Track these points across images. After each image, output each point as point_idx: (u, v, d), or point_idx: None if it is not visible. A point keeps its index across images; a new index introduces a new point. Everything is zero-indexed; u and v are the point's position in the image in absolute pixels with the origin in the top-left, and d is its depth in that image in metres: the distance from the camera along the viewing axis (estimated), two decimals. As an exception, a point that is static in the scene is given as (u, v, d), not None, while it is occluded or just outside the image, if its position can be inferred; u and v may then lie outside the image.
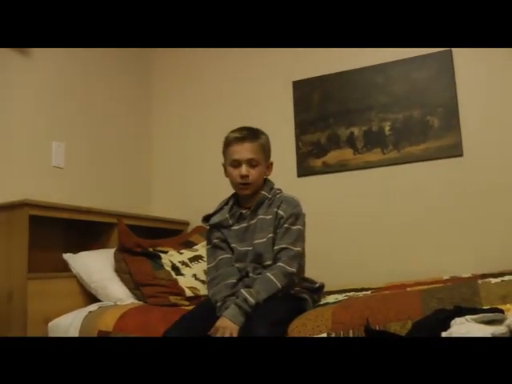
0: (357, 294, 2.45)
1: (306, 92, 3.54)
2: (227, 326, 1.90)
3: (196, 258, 2.95)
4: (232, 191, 2.32)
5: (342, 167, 3.40)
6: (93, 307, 2.53)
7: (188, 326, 1.97)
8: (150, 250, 2.86)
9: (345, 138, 3.41)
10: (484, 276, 2.37)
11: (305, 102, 3.54)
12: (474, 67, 3.17)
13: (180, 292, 2.69)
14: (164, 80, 4.01)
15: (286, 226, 2.15)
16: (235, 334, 1.88)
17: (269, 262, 2.12)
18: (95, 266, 2.77)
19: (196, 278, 2.82)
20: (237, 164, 2.20)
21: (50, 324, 2.49)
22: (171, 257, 2.89)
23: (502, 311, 1.63)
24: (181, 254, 2.97)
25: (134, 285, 2.70)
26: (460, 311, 1.64)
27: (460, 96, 3.16)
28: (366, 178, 3.33)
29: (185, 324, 1.99)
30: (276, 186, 2.31)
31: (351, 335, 1.86)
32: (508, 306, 1.73)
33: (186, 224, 3.71)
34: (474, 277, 2.49)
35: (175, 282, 2.73)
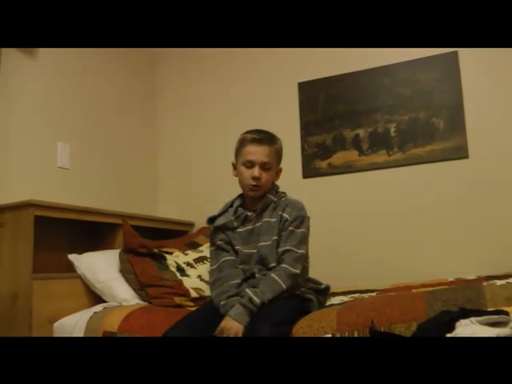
0: (362, 295, 2.46)
1: (311, 93, 3.54)
2: (232, 326, 1.90)
3: (201, 259, 2.96)
4: (237, 193, 2.32)
5: (347, 169, 3.40)
6: (98, 308, 2.54)
7: (190, 326, 1.97)
8: (155, 250, 2.86)
9: (350, 139, 3.41)
10: (489, 278, 2.36)
11: (310, 103, 3.54)
12: (480, 69, 3.17)
13: (185, 293, 2.69)
14: (169, 82, 4.02)
15: (290, 228, 2.16)
16: (240, 334, 1.88)
17: (273, 264, 2.13)
18: (100, 266, 2.77)
19: (201, 279, 2.82)
20: (250, 165, 2.19)
21: (54, 324, 2.49)
22: (176, 258, 2.90)
23: (507, 313, 1.62)
24: (186, 254, 2.98)
25: (139, 285, 2.70)
26: (465, 313, 1.63)
27: (466, 98, 3.16)
28: (371, 180, 3.33)
29: (186, 324, 1.98)
30: (280, 189, 2.32)
31: (356, 336, 1.86)
32: (513, 307, 1.72)
33: (191, 225, 3.71)
34: (479, 279, 2.48)
35: (180, 282, 2.73)
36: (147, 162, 3.87)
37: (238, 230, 2.24)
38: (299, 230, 2.16)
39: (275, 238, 2.16)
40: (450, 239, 3.10)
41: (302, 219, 2.19)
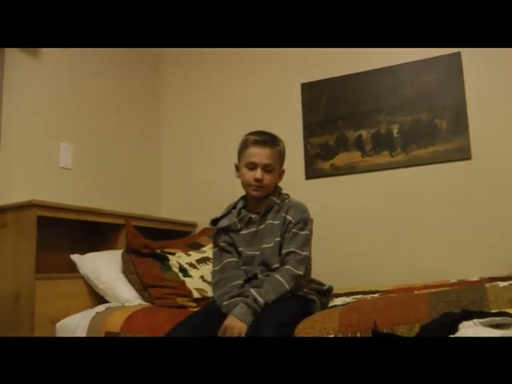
0: (364, 296, 2.45)
1: (314, 94, 3.54)
2: (236, 325, 1.90)
3: (203, 260, 2.96)
4: (240, 193, 2.32)
5: (350, 170, 3.40)
6: (100, 308, 2.54)
7: (192, 326, 1.97)
8: (158, 251, 2.87)
9: (353, 140, 3.40)
10: (492, 279, 2.36)
11: (313, 104, 3.54)
12: (483, 70, 3.16)
13: (187, 293, 2.69)
14: (173, 83, 4.02)
15: (294, 230, 2.16)
16: (243, 333, 1.89)
17: (276, 265, 2.13)
18: (103, 267, 2.77)
19: (203, 280, 2.82)
20: (253, 167, 2.19)
21: (57, 325, 2.50)
22: (179, 258, 2.90)
23: (509, 315, 1.62)
24: (188, 255, 2.98)
25: (142, 286, 2.70)
26: (468, 315, 1.63)
27: (468, 99, 3.16)
28: (374, 181, 3.33)
29: (189, 325, 1.99)
30: (283, 191, 2.31)
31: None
32: (516, 309, 1.72)
33: (194, 225, 3.71)
34: (481, 280, 2.48)
35: (182, 283, 2.74)
36: (150, 163, 3.87)
37: (242, 232, 2.24)
38: (303, 233, 2.16)
39: (278, 239, 2.16)
40: (452, 240, 3.10)
41: (305, 221, 2.19)
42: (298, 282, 2.07)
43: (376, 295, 2.44)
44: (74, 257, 2.81)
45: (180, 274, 2.79)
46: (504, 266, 2.76)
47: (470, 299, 1.87)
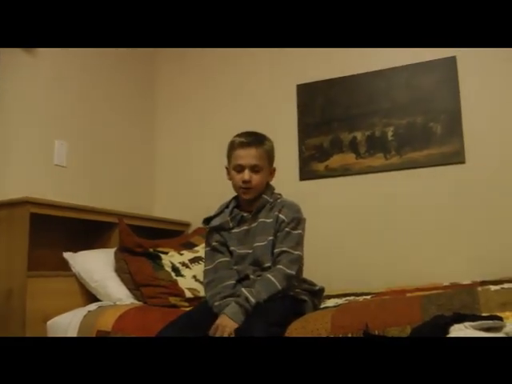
0: (357, 298, 2.46)
1: (310, 96, 3.55)
2: (227, 324, 1.90)
3: (196, 260, 2.96)
4: (233, 194, 2.32)
5: (344, 171, 3.40)
6: (92, 307, 2.53)
7: (184, 326, 1.97)
8: (151, 250, 2.86)
9: (348, 142, 3.41)
10: (484, 283, 2.37)
11: (309, 105, 3.54)
12: (478, 74, 3.17)
13: (180, 293, 2.69)
14: (168, 82, 4.02)
15: (287, 229, 2.15)
16: (234, 333, 1.88)
17: (268, 264, 2.13)
18: (95, 265, 2.77)
19: (196, 280, 2.82)
20: (240, 169, 2.19)
21: (48, 323, 2.49)
22: (171, 258, 2.90)
23: (501, 319, 1.63)
24: (181, 255, 2.98)
25: (134, 285, 2.70)
26: (459, 318, 1.63)
27: (463, 103, 3.16)
28: (368, 183, 3.33)
29: (180, 325, 1.98)
30: (277, 191, 2.31)
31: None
32: (507, 313, 1.72)
33: (187, 225, 3.71)
34: (473, 284, 2.49)
35: (175, 282, 2.73)
36: (144, 161, 3.87)
37: (234, 230, 2.23)
38: (295, 232, 2.16)
39: (271, 238, 2.15)
40: (445, 243, 3.11)
41: (298, 221, 2.19)
42: (290, 281, 2.07)
43: (368, 297, 2.45)
44: (67, 255, 2.80)
45: (172, 274, 2.79)
46: (496, 269, 2.76)
47: (462, 302, 1.88)
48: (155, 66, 4.05)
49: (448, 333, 1.57)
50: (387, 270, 3.12)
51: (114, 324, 2.30)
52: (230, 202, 2.30)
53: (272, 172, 2.30)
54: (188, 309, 2.39)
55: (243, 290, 2.01)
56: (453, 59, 3.20)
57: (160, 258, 2.84)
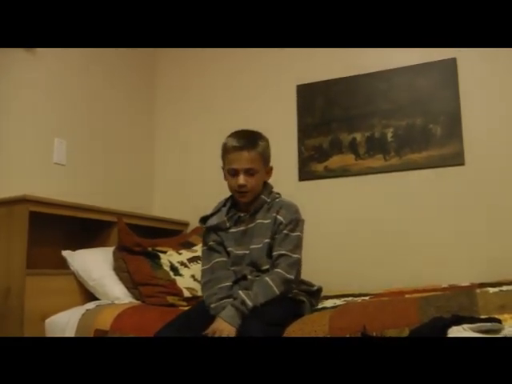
0: (355, 299, 2.45)
1: (309, 96, 3.55)
2: (224, 328, 1.88)
3: (195, 259, 2.95)
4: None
5: (343, 172, 3.40)
6: (90, 305, 2.53)
7: (181, 326, 1.96)
8: (149, 249, 2.86)
9: (347, 143, 3.41)
10: (482, 285, 2.37)
11: (308, 106, 3.54)
12: (478, 76, 3.17)
13: (178, 292, 2.69)
14: (167, 81, 4.01)
15: (285, 232, 2.13)
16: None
17: (265, 267, 2.11)
18: (94, 264, 2.77)
19: (194, 279, 2.82)
20: (234, 173, 2.15)
21: (46, 321, 2.48)
22: (170, 257, 2.90)
23: (499, 321, 1.63)
24: (180, 254, 2.98)
25: (132, 284, 2.70)
26: (457, 320, 1.63)
27: (463, 105, 3.16)
28: (367, 184, 3.33)
29: (178, 325, 1.98)
30: (275, 190, 2.29)
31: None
32: (505, 315, 1.72)
33: (186, 224, 3.71)
34: (472, 286, 2.49)
35: (173, 282, 2.73)
36: (144, 160, 3.87)
37: (231, 230, 2.21)
38: (294, 234, 2.14)
39: (267, 240, 2.13)
40: (444, 245, 3.11)
41: (296, 222, 2.17)
42: (288, 286, 2.06)
43: (366, 298, 2.45)
44: (66, 253, 2.80)
45: (171, 273, 2.79)
46: (495, 271, 2.76)
47: (461, 304, 1.88)
48: (155, 65, 4.05)
49: (446, 335, 1.57)
50: (386, 271, 3.12)
51: (112, 323, 2.30)
52: (227, 200, 2.28)
53: (269, 171, 2.26)
54: (186, 308, 2.38)
55: (240, 292, 2.00)
56: (453, 61, 3.20)
57: (158, 257, 2.84)
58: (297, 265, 2.11)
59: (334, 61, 3.50)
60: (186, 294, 2.71)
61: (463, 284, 2.66)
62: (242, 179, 2.13)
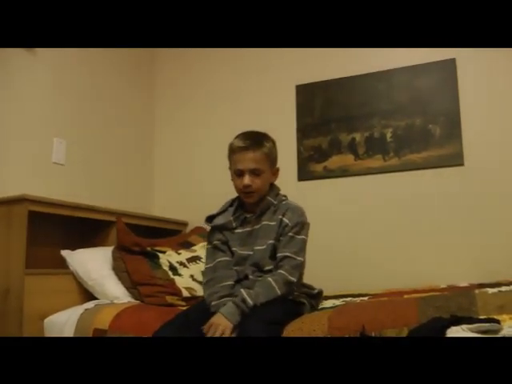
0: (354, 299, 2.45)
1: (308, 96, 3.55)
2: (221, 323, 1.89)
3: (194, 259, 2.96)
4: (232, 192, 2.30)
5: (342, 172, 3.40)
6: (89, 305, 2.53)
7: (180, 326, 1.96)
8: (148, 249, 2.86)
9: (346, 143, 3.41)
10: (481, 286, 2.37)
11: (308, 106, 3.54)
12: (477, 77, 3.18)
13: (177, 292, 2.69)
14: (167, 81, 4.01)
15: (290, 234, 2.14)
16: (228, 332, 1.88)
17: (269, 268, 2.12)
18: (93, 263, 2.77)
19: (193, 279, 2.82)
20: (240, 173, 2.16)
21: (45, 321, 2.48)
22: (169, 257, 2.90)
23: (498, 321, 1.63)
24: (179, 254, 2.97)
25: (131, 284, 2.70)
26: (456, 320, 1.63)
27: (462, 105, 3.16)
28: (366, 184, 3.33)
29: (177, 324, 1.98)
30: (281, 192, 2.29)
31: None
32: (504, 316, 1.72)
33: (185, 224, 3.71)
34: (471, 286, 2.49)
35: (172, 282, 2.73)
36: (143, 160, 3.87)
37: (237, 230, 2.22)
38: (299, 237, 2.14)
39: (271, 242, 2.14)
40: (443, 245, 3.11)
41: (302, 225, 2.17)
42: (290, 288, 2.06)
43: (365, 298, 2.45)
44: (64, 253, 2.80)
45: (170, 273, 2.79)
46: (493, 272, 2.76)
47: (459, 305, 1.88)
48: (155, 65, 4.05)
49: (445, 335, 1.57)
50: (385, 272, 3.12)
51: (111, 322, 2.30)
52: (234, 200, 2.29)
53: (275, 172, 2.27)
54: (185, 308, 2.38)
55: (242, 290, 2.00)
56: (452, 61, 3.20)
57: (157, 257, 2.84)
58: (300, 267, 2.12)
59: (334, 61, 3.50)
60: (185, 293, 2.71)
61: (462, 284, 2.66)
62: (247, 179, 2.14)
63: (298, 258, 2.11)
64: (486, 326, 1.58)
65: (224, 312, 1.93)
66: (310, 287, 2.28)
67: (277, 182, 2.32)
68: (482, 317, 1.72)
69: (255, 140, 2.18)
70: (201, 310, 2.09)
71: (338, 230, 3.35)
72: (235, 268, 2.18)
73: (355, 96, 3.43)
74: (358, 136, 3.39)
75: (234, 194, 2.29)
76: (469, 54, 3.16)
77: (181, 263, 2.89)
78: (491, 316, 1.70)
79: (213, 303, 2.05)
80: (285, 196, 2.29)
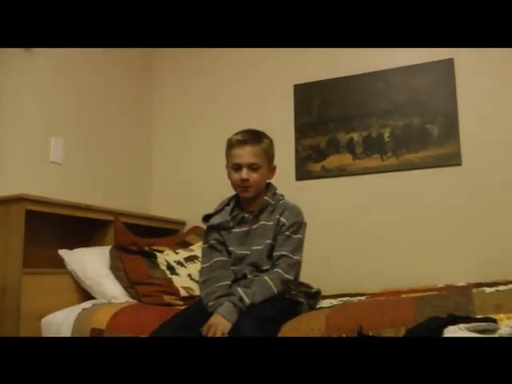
0: (351, 299, 2.46)
1: (306, 96, 3.55)
2: (220, 323, 1.89)
3: (191, 258, 2.95)
4: (230, 192, 2.31)
5: (340, 172, 3.40)
6: (87, 304, 2.53)
7: (178, 326, 1.96)
8: (146, 248, 2.86)
9: (344, 143, 3.41)
10: (478, 285, 2.37)
11: (305, 106, 3.54)
12: (475, 77, 3.18)
13: (174, 292, 2.69)
14: (165, 80, 4.01)
15: (287, 233, 2.14)
16: (227, 332, 1.88)
17: (266, 267, 2.12)
18: (91, 263, 2.76)
19: (191, 278, 2.81)
20: (238, 167, 2.17)
21: (42, 320, 2.48)
22: (167, 256, 2.89)
23: (495, 321, 1.63)
24: (176, 253, 2.97)
25: (129, 283, 2.70)
26: (453, 319, 1.64)
27: (460, 105, 3.17)
28: (364, 184, 3.33)
29: (174, 324, 1.98)
30: (279, 192, 2.30)
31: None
32: (501, 315, 1.73)
33: (183, 224, 3.71)
34: (468, 286, 2.49)
35: (170, 281, 2.73)
36: (141, 160, 3.86)
37: (234, 230, 2.22)
38: (296, 236, 2.15)
39: (268, 241, 2.15)
40: (441, 245, 3.11)
41: (299, 225, 2.18)
42: (286, 286, 2.07)
43: (363, 298, 2.45)
44: (62, 252, 2.80)
45: (167, 272, 2.79)
46: (491, 271, 2.77)
47: (457, 304, 1.88)
48: (153, 64, 4.05)
49: (442, 334, 1.58)
50: (382, 271, 3.12)
51: (109, 322, 2.30)
52: (231, 199, 2.29)
53: (272, 170, 2.27)
54: (182, 307, 2.38)
55: (239, 289, 2.01)
56: (450, 61, 3.20)
57: (155, 257, 2.84)
58: (296, 266, 2.12)
59: (332, 61, 3.50)
60: (183, 293, 2.71)
61: (459, 284, 2.67)
62: (244, 173, 2.15)
63: (295, 257, 2.11)
64: (483, 325, 1.58)
65: (222, 312, 1.94)
66: (308, 286, 2.29)
67: (274, 182, 2.32)
68: (479, 316, 1.72)
69: (254, 135, 2.20)
70: (199, 309, 2.09)
71: (335, 229, 3.35)
72: (232, 268, 2.18)
73: (353, 96, 3.43)
74: (355, 136, 3.39)
75: (232, 192, 2.29)
76: (466, 54, 3.16)
77: (178, 263, 2.89)
78: (488, 315, 1.70)
79: (210, 303, 2.05)
80: (282, 195, 2.28)
